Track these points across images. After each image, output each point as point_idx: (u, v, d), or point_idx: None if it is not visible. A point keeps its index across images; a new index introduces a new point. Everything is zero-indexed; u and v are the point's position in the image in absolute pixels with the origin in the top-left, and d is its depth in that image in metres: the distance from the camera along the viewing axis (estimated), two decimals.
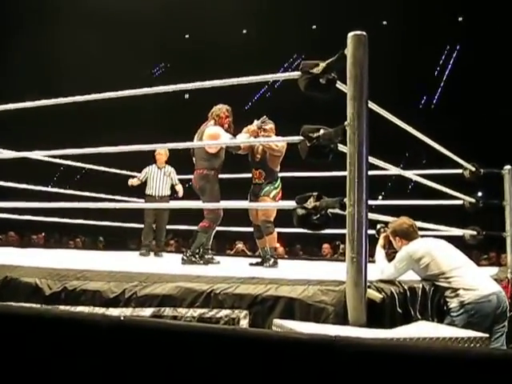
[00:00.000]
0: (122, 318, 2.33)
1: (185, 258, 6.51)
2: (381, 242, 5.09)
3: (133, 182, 9.06)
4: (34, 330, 2.43)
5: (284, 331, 3.27)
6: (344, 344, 1.98)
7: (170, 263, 6.84)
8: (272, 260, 6.55)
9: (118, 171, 9.52)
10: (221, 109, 6.89)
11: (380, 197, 18.30)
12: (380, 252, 4.98)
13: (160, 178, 8.99)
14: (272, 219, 6.62)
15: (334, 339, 2.05)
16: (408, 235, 4.92)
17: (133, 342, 2.21)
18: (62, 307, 4.26)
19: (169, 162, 9.15)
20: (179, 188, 9.06)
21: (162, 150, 8.94)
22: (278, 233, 6.86)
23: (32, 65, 21.06)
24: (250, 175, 6.84)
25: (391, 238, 5.02)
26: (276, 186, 6.67)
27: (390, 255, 4.95)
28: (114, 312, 4.13)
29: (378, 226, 5.22)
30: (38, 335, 2.42)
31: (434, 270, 4.67)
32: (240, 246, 12.70)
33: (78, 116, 18.67)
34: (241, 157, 6.83)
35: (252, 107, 24.65)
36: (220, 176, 6.89)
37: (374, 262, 4.87)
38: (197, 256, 6.56)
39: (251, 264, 6.71)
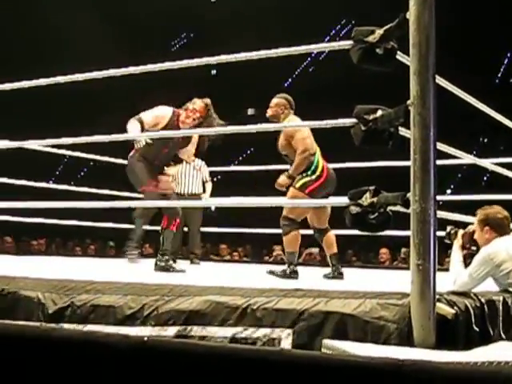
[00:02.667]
0: (146, 339, 2.34)
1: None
2: (459, 241, 5.04)
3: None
4: (39, 354, 2.46)
5: (338, 354, 3.26)
6: (415, 369, 1.94)
7: (196, 273, 6.87)
8: (286, 269, 6.39)
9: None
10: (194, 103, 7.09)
11: (449, 191, 18.20)
12: (456, 255, 4.94)
13: (191, 174, 9.05)
14: (293, 217, 6.49)
15: (401, 363, 2.02)
16: (501, 228, 4.88)
17: (158, 367, 2.22)
18: (68, 326, 4.29)
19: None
20: (209, 186, 9.11)
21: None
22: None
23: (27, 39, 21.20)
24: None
25: (477, 228, 4.95)
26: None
27: (467, 257, 4.91)
28: (130, 332, 4.13)
29: (448, 229, 5.17)
30: (44, 360, 2.45)
31: None
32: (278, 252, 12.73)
33: (84, 98, 18.76)
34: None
35: (292, 84, 24.60)
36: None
37: (443, 270, 4.84)
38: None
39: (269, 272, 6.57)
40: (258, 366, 2.25)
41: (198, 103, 6.95)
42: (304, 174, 6.47)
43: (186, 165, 9.05)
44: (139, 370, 2.24)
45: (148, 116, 6.90)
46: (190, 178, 9.02)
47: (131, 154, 7.12)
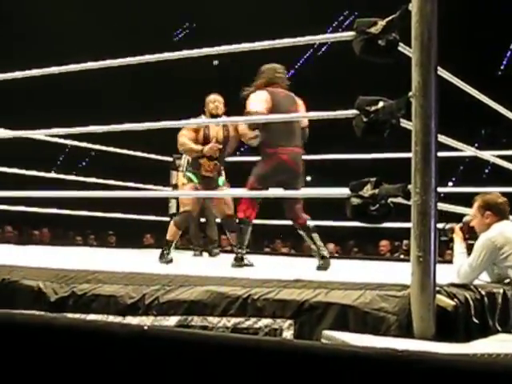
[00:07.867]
0: (146, 328, 2.35)
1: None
2: (459, 234, 5.02)
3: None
4: (40, 342, 2.47)
5: (336, 344, 3.27)
6: (413, 360, 1.94)
7: (198, 264, 6.88)
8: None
9: (135, 154, 9.55)
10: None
11: (450, 183, 18.20)
12: (458, 247, 4.93)
13: None
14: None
15: (400, 354, 2.02)
16: (501, 212, 4.88)
17: (158, 356, 2.23)
18: (69, 315, 4.30)
19: None
20: None
21: None
22: (328, 227, 6.83)
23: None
24: None
25: (477, 214, 4.94)
26: None
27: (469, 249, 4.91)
28: (132, 321, 4.15)
29: (441, 226, 5.10)
30: (45, 347, 2.46)
31: None
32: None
33: (85, 88, 18.74)
34: None
35: (295, 75, 24.56)
36: None
37: (444, 262, 4.84)
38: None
39: None
40: (258, 355, 2.26)
41: None
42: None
43: None
44: (139, 359, 2.26)
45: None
46: None
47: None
